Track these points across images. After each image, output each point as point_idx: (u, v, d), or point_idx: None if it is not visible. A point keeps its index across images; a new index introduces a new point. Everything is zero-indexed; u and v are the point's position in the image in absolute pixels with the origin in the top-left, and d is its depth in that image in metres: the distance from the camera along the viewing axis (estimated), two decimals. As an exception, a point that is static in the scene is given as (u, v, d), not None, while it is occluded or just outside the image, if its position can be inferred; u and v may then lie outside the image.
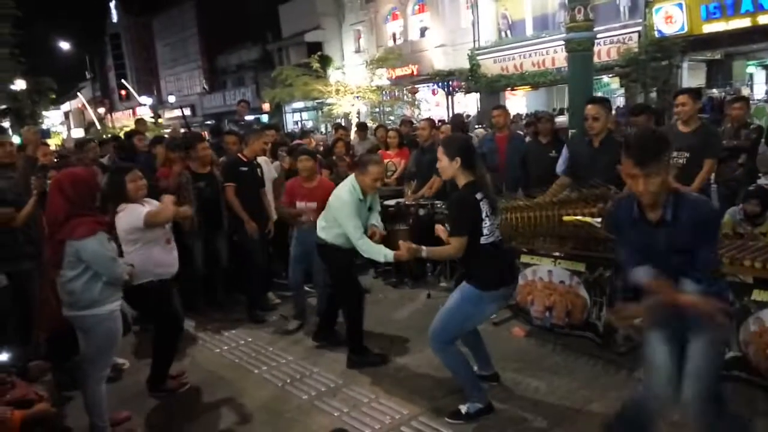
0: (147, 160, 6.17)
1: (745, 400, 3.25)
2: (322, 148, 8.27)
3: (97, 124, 38.26)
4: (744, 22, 13.85)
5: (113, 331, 3.26)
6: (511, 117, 9.29)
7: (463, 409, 3.32)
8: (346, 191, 4.02)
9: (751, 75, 17.12)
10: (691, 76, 15.92)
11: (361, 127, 9.42)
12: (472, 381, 3.38)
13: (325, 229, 4.18)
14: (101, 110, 43.28)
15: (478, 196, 3.11)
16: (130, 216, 3.62)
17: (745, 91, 14.61)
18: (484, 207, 3.11)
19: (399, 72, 22.21)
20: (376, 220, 4.26)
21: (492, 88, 19.40)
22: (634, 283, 2.56)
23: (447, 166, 3.20)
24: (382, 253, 3.83)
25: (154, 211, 3.71)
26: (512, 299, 4.72)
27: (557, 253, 4.33)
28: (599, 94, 15.94)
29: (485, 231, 3.11)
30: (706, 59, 16.05)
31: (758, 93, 16.19)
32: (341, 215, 3.96)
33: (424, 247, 3.25)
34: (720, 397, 2.46)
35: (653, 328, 2.56)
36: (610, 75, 16.76)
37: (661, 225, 2.37)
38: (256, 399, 3.80)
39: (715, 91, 14.67)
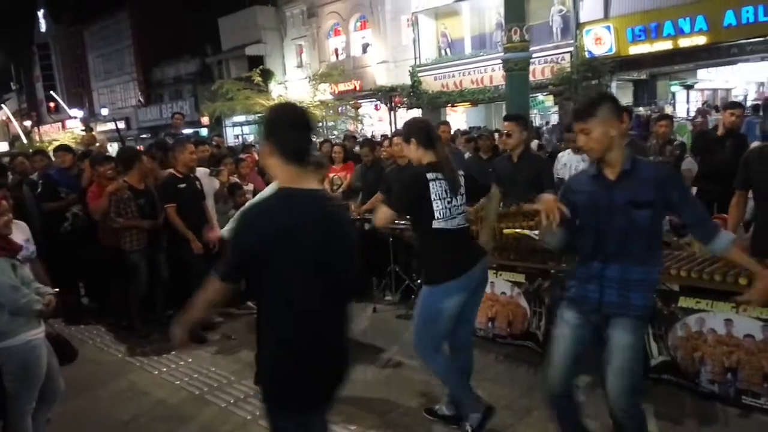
0: (72, 178, 5.91)
1: (674, 402, 3.42)
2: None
3: (23, 137, 36.34)
4: (666, 45, 14.80)
5: (30, 362, 2.99)
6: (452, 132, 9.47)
7: (466, 426, 3.21)
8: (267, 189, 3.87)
9: (673, 94, 18.25)
10: (619, 94, 16.77)
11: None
12: (463, 389, 3.23)
13: None
14: (27, 123, 41.15)
15: (430, 175, 3.00)
16: None
17: (669, 110, 15.55)
18: (435, 187, 2.99)
19: (342, 87, 22.27)
20: None
21: (433, 104, 19.81)
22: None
23: (407, 150, 3.16)
24: None
25: None
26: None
27: (496, 265, 4.44)
28: (534, 111, 16.60)
29: (437, 214, 2.99)
30: (633, 79, 16.99)
31: (680, 111, 17.27)
32: None
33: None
34: (640, 391, 2.59)
35: (568, 308, 2.67)
36: (545, 93, 17.49)
37: (621, 179, 2.47)
38: (198, 421, 3.68)
39: (641, 109, 15.51)
